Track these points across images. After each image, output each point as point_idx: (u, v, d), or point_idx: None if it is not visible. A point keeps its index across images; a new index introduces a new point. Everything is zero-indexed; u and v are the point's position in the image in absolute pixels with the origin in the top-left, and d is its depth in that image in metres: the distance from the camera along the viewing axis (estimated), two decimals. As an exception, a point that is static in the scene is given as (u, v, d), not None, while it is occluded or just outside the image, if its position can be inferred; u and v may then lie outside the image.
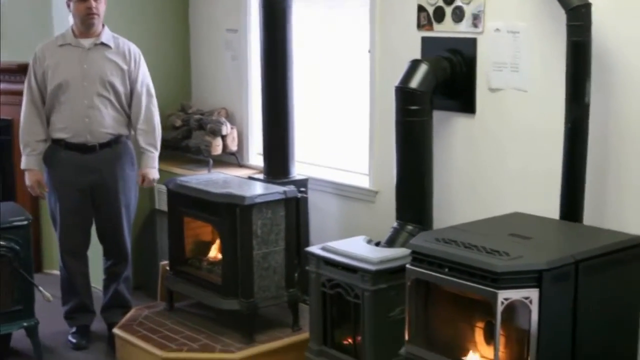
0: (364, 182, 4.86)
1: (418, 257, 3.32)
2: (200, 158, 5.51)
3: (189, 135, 5.60)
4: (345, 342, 4.01)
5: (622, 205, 3.65)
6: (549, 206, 3.71)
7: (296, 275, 4.57)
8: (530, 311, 3.03)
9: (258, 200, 4.36)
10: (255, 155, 5.59)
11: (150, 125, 4.87)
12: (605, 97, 3.63)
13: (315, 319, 4.05)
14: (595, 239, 3.34)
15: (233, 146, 5.52)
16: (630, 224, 3.55)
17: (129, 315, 4.85)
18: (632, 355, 3.35)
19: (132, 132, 4.91)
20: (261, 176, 4.95)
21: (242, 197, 4.33)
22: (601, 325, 3.21)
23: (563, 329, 3.10)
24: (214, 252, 4.79)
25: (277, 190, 4.47)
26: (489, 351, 3.21)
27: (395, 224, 4.13)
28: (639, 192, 3.60)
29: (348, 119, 5.08)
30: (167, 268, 4.90)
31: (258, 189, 4.55)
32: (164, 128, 5.26)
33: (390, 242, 4.06)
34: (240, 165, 5.57)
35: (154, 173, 4.89)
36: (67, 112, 4.73)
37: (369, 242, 4.11)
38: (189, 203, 4.63)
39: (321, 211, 5.04)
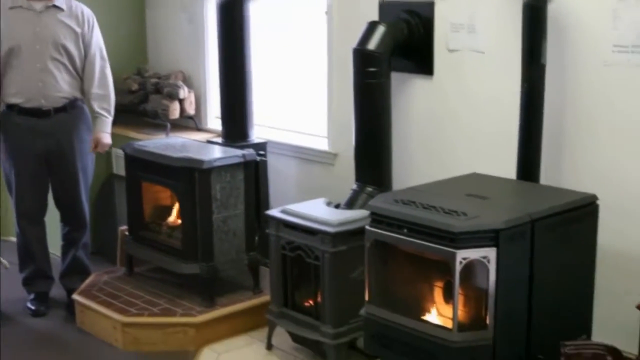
0: (323, 145, 4.87)
1: (377, 219, 3.35)
2: (157, 122, 5.46)
3: (146, 99, 5.55)
4: (306, 304, 4.05)
5: (577, 165, 3.72)
6: (506, 167, 3.77)
7: (256, 238, 4.58)
8: (487, 270, 3.08)
9: (217, 164, 4.35)
10: (214, 119, 5.56)
11: (105, 89, 4.81)
12: (561, 57, 3.68)
13: (276, 282, 4.07)
14: (550, 198, 3.39)
15: (191, 110, 5.48)
16: (584, 183, 3.62)
17: (88, 281, 4.83)
18: (587, 310, 3.43)
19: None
20: (220, 140, 4.93)
21: (201, 161, 4.32)
22: (557, 282, 3.28)
23: (520, 286, 3.16)
24: (174, 217, 4.77)
25: (235, 154, 4.46)
26: (448, 310, 3.26)
27: (354, 186, 4.15)
28: (594, 152, 3.67)
29: (306, 82, 5.07)
30: (126, 233, 4.88)
31: (217, 153, 4.54)
32: (119, 92, 5.21)
33: (350, 204, 4.09)
34: (199, 129, 5.54)
35: (107, 138, 4.84)
36: (20, 76, 4.65)
37: (329, 204, 4.13)
38: (147, 167, 4.60)
39: (281, 174, 5.04)
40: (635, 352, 2.93)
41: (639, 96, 3.50)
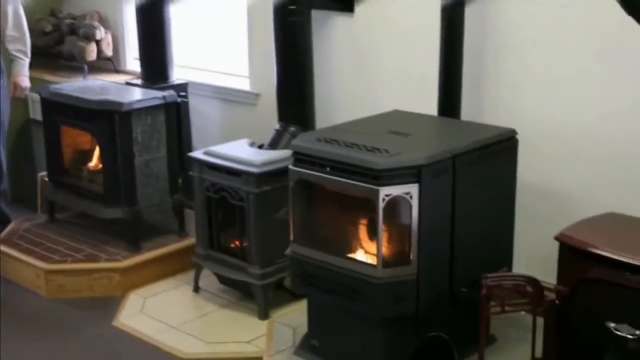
0: (245, 85, 4.83)
1: (300, 158, 3.34)
2: (74, 64, 5.33)
3: (61, 41, 5.40)
4: (232, 246, 4.05)
5: (496, 101, 3.77)
6: (428, 103, 3.80)
7: (180, 181, 4.55)
8: (410, 206, 3.11)
9: (137, 106, 4.28)
10: (132, 60, 5.45)
11: (20, 31, 4.66)
12: (480, -7, 3.70)
13: (201, 224, 4.06)
14: (471, 133, 3.44)
15: (108, 51, 5.36)
16: (504, 118, 3.67)
17: (8, 229, 4.75)
18: (508, 243, 3.52)
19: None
20: (139, 82, 4.85)
21: (120, 104, 4.25)
22: (478, 217, 3.35)
23: (442, 222, 3.21)
24: (94, 161, 4.70)
25: (156, 96, 4.39)
26: (372, 247, 3.30)
27: (277, 126, 4.13)
28: (513, 87, 3.72)
29: (227, 21, 4.98)
30: (46, 179, 4.79)
31: (136, 95, 4.46)
32: (33, 33, 5.04)
33: (273, 144, 4.08)
34: (117, 71, 5.43)
35: (25, 81, 4.71)
36: None
37: (252, 144, 4.11)
38: (65, 111, 4.50)
39: (203, 115, 4.99)
40: (553, 281, 3.03)
41: (559, 35, 3.55)
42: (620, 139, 3.44)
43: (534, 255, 3.66)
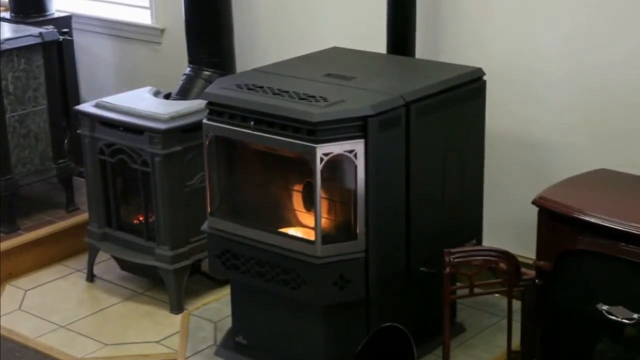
0: (145, 19, 4.79)
1: (216, 110, 3.33)
2: None
3: None
4: (135, 222, 4.04)
5: (458, 33, 3.79)
6: (374, 38, 3.80)
7: (66, 141, 4.52)
8: (355, 167, 3.13)
9: (6, 46, 4.23)
10: (-2, -13, 5.35)
11: None
12: None
13: (95, 196, 4.03)
14: (428, 75, 3.46)
15: (-35, -25, 5.26)
16: (467, 55, 3.70)
17: None
18: (476, 210, 3.57)
19: None
20: (8, 15, 4.78)
21: (-16, 44, 4.20)
22: (440, 178, 3.38)
23: (395, 185, 3.24)
24: (-47, 119, 4.63)
25: (30, 33, 4.35)
26: (309, 219, 3.32)
27: (187, 70, 4.11)
28: (477, 15, 3.75)
29: None
30: None
31: (5, 32, 4.39)
32: None
33: (183, 93, 4.06)
34: (-22, 1, 5.33)
35: None
36: None
37: (157, 94, 4.09)
38: None
39: (92, 57, 4.94)
40: (532, 255, 3.08)
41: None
42: (615, 80, 3.49)
43: (508, 225, 3.72)
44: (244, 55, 4.24)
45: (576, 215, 2.90)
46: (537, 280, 3.04)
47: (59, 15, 4.76)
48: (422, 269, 3.35)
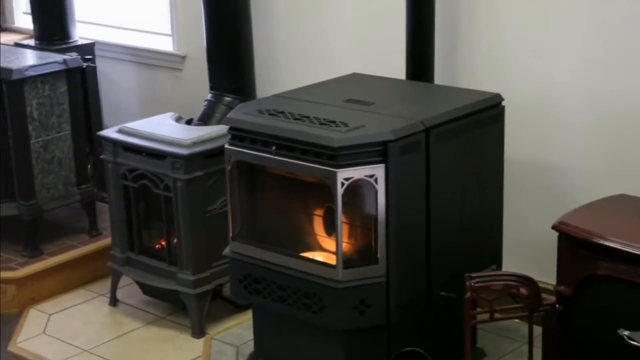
0: (167, 46, 4.82)
1: (238, 135, 3.35)
2: (-54, 21, 5.29)
3: None
4: (157, 246, 4.05)
5: (477, 59, 3.80)
6: (393, 64, 3.81)
7: (89, 166, 4.53)
8: (376, 191, 3.13)
9: (30, 72, 4.26)
10: (22, 14, 5.41)
11: None
12: None
13: (118, 220, 4.05)
14: (447, 100, 3.46)
15: (-9, 4, 5.32)
16: (485, 81, 3.71)
17: None
18: (496, 235, 3.56)
19: None
20: (32, 42, 4.81)
21: (9, 70, 4.22)
22: (460, 203, 3.38)
23: (415, 210, 3.24)
24: (-22, 144, 4.66)
25: (55, 60, 4.37)
26: (330, 244, 3.32)
27: (209, 96, 4.13)
28: (494, 43, 3.76)
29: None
30: None
31: (29, 59, 4.43)
32: None
33: (205, 119, 4.07)
34: (2, 28, 5.39)
35: None
36: None
37: (178, 119, 4.10)
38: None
39: (115, 84, 4.96)
40: (553, 281, 3.07)
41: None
42: (632, 106, 3.49)
43: (528, 249, 3.70)
44: (264, 81, 4.26)
45: (596, 240, 2.89)
46: (557, 306, 3.03)
47: (83, 42, 4.79)
48: (442, 293, 3.34)
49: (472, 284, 3.10)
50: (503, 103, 3.45)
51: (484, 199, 3.49)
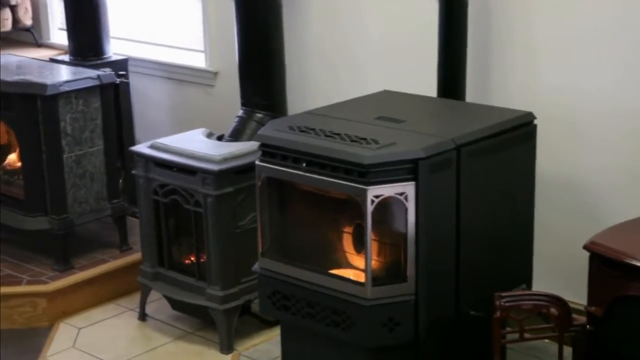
0: (199, 62, 4.84)
1: (269, 151, 3.35)
2: (-16, 37, 5.33)
3: (-34, 7, 5.39)
4: (186, 262, 4.06)
5: (507, 77, 3.79)
6: (424, 82, 3.80)
7: (120, 181, 4.55)
8: (406, 209, 3.13)
9: (65, 88, 4.28)
10: (57, 31, 5.45)
11: None
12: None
13: (148, 235, 4.06)
14: (478, 118, 3.45)
15: (27, 20, 5.36)
16: (517, 99, 3.69)
17: None
18: (526, 254, 3.54)
19: None
20: (67, 58, 4.85)
21: (44, 85, 4.24)
22: (490, 221, 3.37)
23: (445, 228, 3.23)
24: (13, 158, 4.69)
25: (88, 75, 4.39)
26: (359, 261, 3.31)
27: (240, 112, 4.14)
28: (526, 61, 3.74)
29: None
30: (-49, 182, 4.77)
31: (64, 74, 4.46)
32: None
33: (236, 135, 4.08)
34: (38, 44, 5.43)
35: None
36: None
37: (209, 135, 4.11)
38: (-28, 96, 4.49)
39: (147, 100, 4.99)
40: (583, 301, 3.05)
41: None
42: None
43: (559, 269, 3.68)
44: (294, 98, 4.26)
45: (628, 260, 2.86)
46: (588, 326, 3.00)
47: (116, 58, 4.83)
48: (471, 312, 3.32)
49: (502, 303, 3.08)
50: (535, 121, 3.44)
51: (515, 218, 3.47)
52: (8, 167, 4.68)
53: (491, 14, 3.78)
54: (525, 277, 3.54)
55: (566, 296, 3.13)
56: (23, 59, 4.81)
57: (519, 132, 3.41)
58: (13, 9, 5.28)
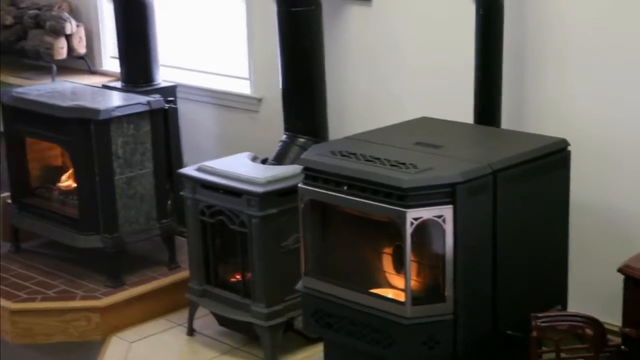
0: (244, 88, 4.85)
1: (312, 175, 3.35)
2: (40, 64, 5.37)
3: (24, 36, 5.43)
4: (232, 279, 4.06)
5: (541, 105, 3.77)
6: (461, 109, 3.79)
7: (169, 202, 4.56)
8: (444, 231, 3.11)
9: (116, 113, 4.31)
10: (110, 59, 5.49)
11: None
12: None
13: (195, 254, 4.06)
14: (514, 144, 3.43)
15: (81, 48, 5.40)
16: (552, 126, 3.67)
17: (-35, 261, 4.77)
18: (561, 276, 3.51)
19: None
20: (118, 84, 4.88)
21: (97, 111, 4.26)
22: (526, 244, 3.34)
23: (482, 250, 3.21)
24: (67, 180, 4.72)
25: (139, 101, 4.42)
26: (399, 281, 3.30)
27: (283, 137, 4.14)
28: (559, 88, 3.72)
29: (221, 12, 5.00)
30: (9, 201, 4.80)
31: (115, 100, 4.49)
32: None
33: (279, 159, 4.08)
34: (92, 71, 5.46)
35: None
36: None
37: (254, 159, 4.12)
38: (30, 120, 4.52)
39: (195, 124, 5.00)
40: (618, 322, 3.02)
41: (615, 25, 3.54)
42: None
43: (594, 291, 3.64)
44: (335, 123, 4.26)
45: (661, 283, 2.84)
46: (623, 347, 2.97)
47: (165, 85, 4.85)
48: (508, 332, 3.30)
49: (539, 323, 3.06)
50: (569, 148, 3.41)
51: (550, 241, 3.44)
52: (63, 188, 4.71)
53: (526, 44, 3.77)
54: (560, 298, 3.51)
55: (601, 317, 3.10)
56: (77, 86, 4.85)
57: (554, 158, 3.39)
58: (68, 38, 5.32)
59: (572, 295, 3.54)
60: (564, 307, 3.50)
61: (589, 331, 3.05)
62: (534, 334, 3.05)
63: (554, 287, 3.50)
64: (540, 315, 3.08)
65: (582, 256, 3.65)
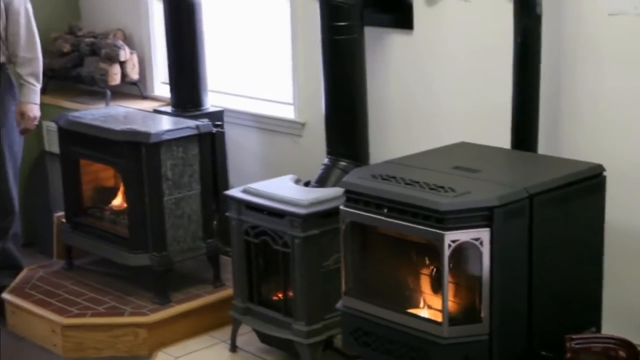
0: (288, 113, 4.86)
1: (353, 197, 3.35)
2: (95, 89, 5.42)
3: (81, 63, 5.49)
4: (274, 298, 4.06)
5: (576, 131, 3.74)
6: (499, 134, 3.77)
7: (215, 223, 4.58)
8: (481, 254, 3.10)
9: (166, 136, 4.34)
10: (160, 84, 5.53)
11: (33, 52, 4.76)
12: (558, 6, 3.67)
13: (239, 273, 4.07)
14: (550, 169, 3.40)
15: (134, 74, 5.45)
16: (586, 151, 3.63)
17: (20, 276, 4.81)
18: (596, 298, 3.47)
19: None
20: (169, 109, 4.92)
21: (148, 134, 4.30)
22: (561, 267, 3.31)
23: (518, 272, 3.18)
24: (118, 200, 4.76)
25: (188, 125, 4.45)
26: (437, 301, 3.28)
27: (326, 160, 4.14)
28: (595, 115, 3.69)
29: (267, 40, 5.03)
30: (63, 220, 4.85)
31: (166, 124, 4.53)
32: (48, 54, 5.16)
33: (321, 181, 4.09)
34: (144, 96, 5.51)
35: (34, 110, 4.79)
36: None
37: (297, 181, 4.13)
38: (84, 143, 4.57)
39: (241, 148, 5.03)
40: (651, 344, 2.99)
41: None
42: None
43: (628, 313, 3.59)
44: (375, 147, 4.25)
45: (695, 306, 2.79)
46: (656, 369, 2.93)
47: (213, 109, 4.88)
48: (542, 352, 3.26)
49: (573, 345, 3.03)
50: (604, 173, 3.38)
51: (584, 264, 3.40)
52: (115, 208, 4.75)
53: (561, 72, 3.74)
54: (594, 320, 3.46)
55: (635, 340, 3.06)
56: (129, 110, 4.90)
57: (589, 183, 3.36)
58: (122, 64, 5.38)
59: (605, 318, 3.49)
60: (598, 329, 3.45)
61: (622, 353, 3.01)
62: (568, 355, 3.02)
63: (588, 309, 3.45)
64: (574, 336, 3.05)
65: (617, 279, 3.60)
